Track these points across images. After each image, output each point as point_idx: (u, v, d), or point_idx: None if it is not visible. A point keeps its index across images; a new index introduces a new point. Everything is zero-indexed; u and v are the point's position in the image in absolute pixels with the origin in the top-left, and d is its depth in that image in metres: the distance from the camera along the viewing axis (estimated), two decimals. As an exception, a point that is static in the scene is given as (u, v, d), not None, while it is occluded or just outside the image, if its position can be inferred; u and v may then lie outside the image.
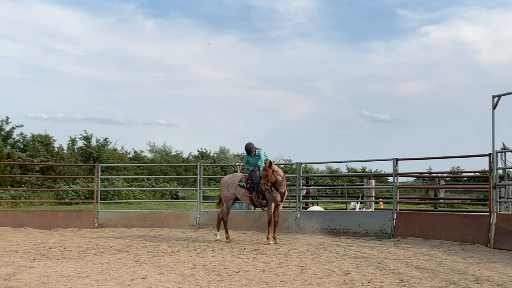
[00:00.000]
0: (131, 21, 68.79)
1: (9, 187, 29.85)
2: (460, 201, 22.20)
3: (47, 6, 63.54)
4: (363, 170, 48.43)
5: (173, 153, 51.90)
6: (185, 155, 51.56)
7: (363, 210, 18.09)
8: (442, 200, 21.48)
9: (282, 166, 45.11)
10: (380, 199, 21.06)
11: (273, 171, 13.08)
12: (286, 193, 13.75)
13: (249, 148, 13.90)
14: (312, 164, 46.49)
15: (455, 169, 35.26)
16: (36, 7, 62.63)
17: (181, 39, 71.65)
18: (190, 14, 72.57)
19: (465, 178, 33.05)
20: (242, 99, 74.17)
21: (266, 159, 14.31)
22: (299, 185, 16.47)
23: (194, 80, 71.46)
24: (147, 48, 70.63)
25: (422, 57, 69.66)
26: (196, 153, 51.36)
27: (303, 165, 17.43)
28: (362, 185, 21.98)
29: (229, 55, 71.82)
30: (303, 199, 17.73)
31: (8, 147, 38.98)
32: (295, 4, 70.88)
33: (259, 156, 13.98)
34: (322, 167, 51.85)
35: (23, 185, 32.70)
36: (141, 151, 49.34)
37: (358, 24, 72.86)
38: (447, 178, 28.49)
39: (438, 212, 16.61)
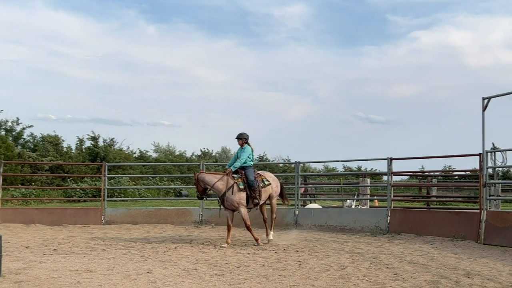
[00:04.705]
0: (134, 26, 68.94)
1: (20, 186, 29.90)
2: (451, 199, 22.16)
3: (53, 11, 63.66)
4: (359, 169, 48.38)
5: (177, 152, 51.83)
6: (188, 154, 51.49)
7: (359, 207, 18.08)
8: (434, 198, 21.47)
9: (281, 165, 45.12)
10: (375, 197, 21.04)
11: (198, 181, 12.40)
12: (258, 201, 12.36)
13: (238, 135, 12.66)
14: (310, 164, 46.66)
15: (447, 168, 35.24)
16: (42, 12, 62.74)
17: (182, 43, 71.70)
18: (190, 20, 72.71)
19: (457, 177, 32.99)
20: (242, 100, 74.26)
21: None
22: (297, 184, 16.47)
23: (195, 82, 71.58)
24: (150, 52, 70.67)
25: (413, 60, 69.77)
26: (199, 153, 51.29)
27: (301, 164, 17.42)
28: (358, 183, 21.96)
29: (228, 58, 71.89)
30: (301, 197, 17.74)
31: (19, 147, 39.02)
32: (290, 10, 71.01)
33: (244, 151, 12.51)
34: (320, 166, 51.78)
35: (33, 184, 32.76)
36: (146, 151, 49.27)
37: (351, 29, 72.98)
38: (439, 177, 28.49)
39: (431, 210, 16.58)
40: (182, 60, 71.10)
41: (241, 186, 12.23)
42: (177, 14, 72.53)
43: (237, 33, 74.10)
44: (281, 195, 13.43)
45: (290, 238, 13.32)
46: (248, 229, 12.24)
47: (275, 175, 13.50)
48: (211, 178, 12.42)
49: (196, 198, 13.35)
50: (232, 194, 12.13)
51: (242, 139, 12.60)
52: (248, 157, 12.50)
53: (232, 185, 12.20)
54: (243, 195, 12.20)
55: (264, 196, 12.58)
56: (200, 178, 12.48)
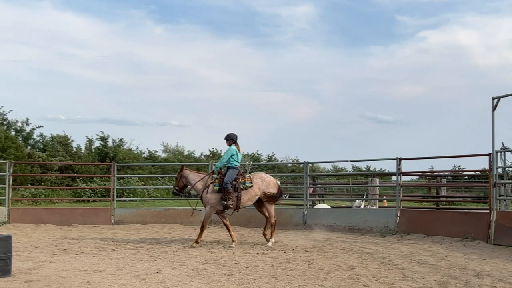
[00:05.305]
0: (141, 27, 68.86)
1: (29, 186, 30.01)
2: (461, 199, 22.05)
3: (60, 12, 63.58)
4: (368, 169, 48.28)
5: (186, 152, 51.72)
6: (197, 154, 51.39)
7: (368, 207, 18.04)
8: (443, 198, 21.37)
9: (290, 165, 45.03)
10: (384, 197, 20.99)
11: (181, 176, 12.68)
12: (227, 202, 12.05)
13: (225, 136, 12.62)
14: (319, 164, 46.51)
15: (456, 168, 35.07)
16: (50, 13, 62.75)
17: (189, 43, 71.71)
18: (196, 20, 72.60)
19: (466, 177, 32.84)
20: (249, 101, 74.07)
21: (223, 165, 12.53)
22: (306, 184, 16.44)
23: (202, 83, 71.37)
24: (157, 52, 70.72)
25: (420, 60, 69.34)
26: (208, 153, 51.28)
27: (310, 165, 17.39)
28: (367, 183, 21.90)
29: (235, 59, 71.79)
30: (310, 197, 17.72)
31: (29, 147, 39.15)
32: (297, 10, 70.70)
33: (226, 152, 12.50)
34: (328, 166, 51.61)
35: (43, 184, 32.88)
36: (155, 151, 49.21)
37: (357, 29, 72.53)
38: (449, 177, 28.33)
39: (440, 210, 16.53)
40: (189, 60, 71.13)
41: (216, 188, 12.22)
42: (184, 15, 72.54)
43: (243, 33, 74.09)
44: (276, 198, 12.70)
45: (314, 238, 13.30)
46: (201, 228, 12.27)
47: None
48: (194, 177, 12.60)
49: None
50: (206, 193, 12.25)
51: (229, 140, 12.58)
52: (232, 157, 12.37)
53: (208, 185, 12.30)
54: (215, 196, 12.21)
55: (246, 198, 12.26)
56: (185, 174, 12.65)
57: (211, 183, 12.29)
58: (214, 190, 12.21)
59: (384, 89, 70.39)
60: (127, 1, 68.24)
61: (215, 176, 12.39)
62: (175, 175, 13.16)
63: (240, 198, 12.17)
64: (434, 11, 69.28)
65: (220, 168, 12.44)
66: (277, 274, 8.27)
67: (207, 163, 18.66)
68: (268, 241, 12.27)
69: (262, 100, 72.75)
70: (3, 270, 7.84)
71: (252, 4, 68.73)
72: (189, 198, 13.30)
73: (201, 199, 12.45)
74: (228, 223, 12.42)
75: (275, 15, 70.14)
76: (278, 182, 12.94)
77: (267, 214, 12.62)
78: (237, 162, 12.45)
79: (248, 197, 12.30)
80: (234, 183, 12.17)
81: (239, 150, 12.55)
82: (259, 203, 12.64)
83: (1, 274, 7.76)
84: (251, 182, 12.32)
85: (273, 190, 12.45)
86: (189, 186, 12.75)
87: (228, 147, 12.59)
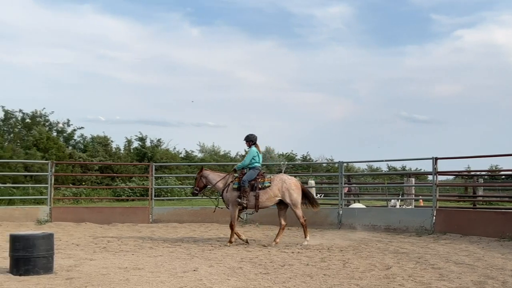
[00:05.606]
0: (178, 29, 69.66)
1: (70, 185, 30.53)
2: (498, 199, 21.66)
3: (100, 16, 64.83)
4: (403, 168, 47.72)
5: (222, 152, 51.96)
6: (232, 154, 51.64)
7: (403, 207, 17.83)
8: (480, 198, 21.01)
9: (324, 165, 44.78)
10: (420, 197, 20.72)
11: (201, 176, 12.77)
12: (242, 200, 12.09)
13: (245, 137, 12.66)
14: (354, 163, 46.14)
15: (494, 168, 34.39)
16: (90, 17, 63.96)
17: (224, 45, 72.13)
18: (232, 22, 73.14)
19: (503, 177, 32.20)
20: (284, 101, 74.10)
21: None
22: (341, 183, 16.34)
23: (237, 83, 71.80)
24: (193, 54, 71.34)
25: (456, 59, 68.34)
26: (243, 153, 51.34)
27: (345, 164, 17.29)
28: (402, 183, 21.65)
29: (270, 60, 71.91)
30: (345, 197, 17.60)
31: (70, 147, 39.80)
32: (332, 11, 70.50)
33: (248, 153, 12.57)
34: (363, 166, 51.19)
35: (83, 183, 33.38)
36: (192, 151, 49.43)
37: (393, 28, 71.97)
38: (486, 177, 27.82)
39: (477, 210, 16.25)
40: (225, 62, 71.56)
41: (235, 186, 12.26)
42: (220, 17, 73.18)
43: (278, 34, 74.23)
44: (309, 201, 12.74)
45: (349, 237, 13.21)
46: (231, 227, 12.28)
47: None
48: (214, 177, 12.73)
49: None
50: (226, 193, 12.37)
51: (249, 141, 12.59)
52: (253, 158, 12.37)
53: (228, 185, 12.39)
54: (234, 194, 12.25)
55: (265, 198, 12.20)
56: (204, 174, 12.77)
57: (231, 182, 12.39)
58: (233, 189, 12.29)
59: (419, 88, 69.70)
60: (164, 4, 69.22)
61: (235, 175, 12.48)
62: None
63: (258, 198, 12.16)
64: (469, 9, 68.33)
65: (242, 168, 12.49)
66: (313, 273, 8.24)
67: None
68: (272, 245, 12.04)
69: (297, 100, 72.77)
70: (46, 267, 7.99)
71: (287, 5, 68.78)
72: (210, 197, 13.43)
73: (222, 198, 12.57)
74: (235, 226, 12.39)
75: (310, 15, 70.07)
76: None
77: (282, 221, 12.53)
78: (258, 163, 12.50)
79: (266, 197, 12.24)
80: (252, 182, 12.19)
81: (259, 151, 12.61)
82: (280, 205, 12.53)
83: (43, 271, 7.91)
84: (270, 183, 12.28)
85: (294, 192, 12.29)
86: (209, 186, 12.85)
87: (248, 147, 12.67)
